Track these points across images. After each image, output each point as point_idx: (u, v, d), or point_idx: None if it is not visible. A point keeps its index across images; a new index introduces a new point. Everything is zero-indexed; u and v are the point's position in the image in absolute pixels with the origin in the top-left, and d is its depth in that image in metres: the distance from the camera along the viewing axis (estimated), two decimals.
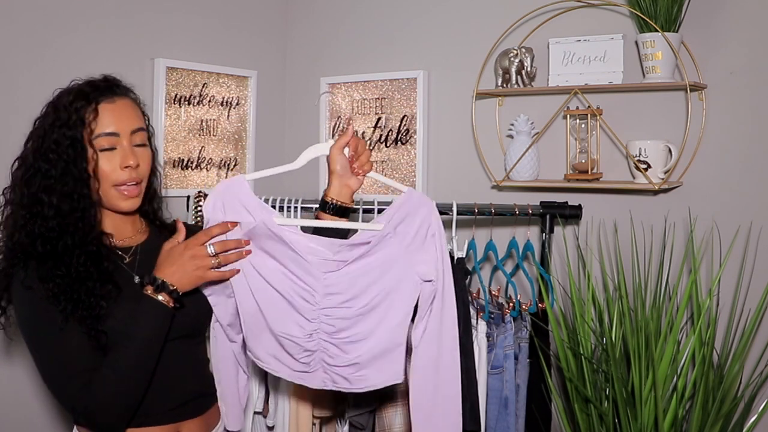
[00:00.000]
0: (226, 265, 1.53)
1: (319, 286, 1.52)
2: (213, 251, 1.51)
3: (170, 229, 1.71)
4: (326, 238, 1.52)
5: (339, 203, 1.63)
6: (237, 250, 1.53)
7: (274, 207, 2.23)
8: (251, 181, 1.63)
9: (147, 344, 1.49)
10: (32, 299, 1.48)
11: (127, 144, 1.55)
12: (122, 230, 1.65)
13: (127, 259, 1.62)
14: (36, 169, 1.54)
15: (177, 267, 1.50)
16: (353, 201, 1.64)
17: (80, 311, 1.47)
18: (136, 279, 1.59)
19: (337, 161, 1.63)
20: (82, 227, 1.52)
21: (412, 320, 1.56)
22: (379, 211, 2.18)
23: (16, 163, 1.59)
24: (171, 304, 1.50)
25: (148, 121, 1.66)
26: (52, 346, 1.48)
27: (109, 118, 1.54)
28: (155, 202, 1.72)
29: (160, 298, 1.49)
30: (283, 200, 2.24)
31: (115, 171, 1.54)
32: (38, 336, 1.49)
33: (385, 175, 2.81)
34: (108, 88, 1.58)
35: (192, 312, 1.62)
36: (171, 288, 1.49)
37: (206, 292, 1.59)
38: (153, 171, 1.68)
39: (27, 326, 1.50)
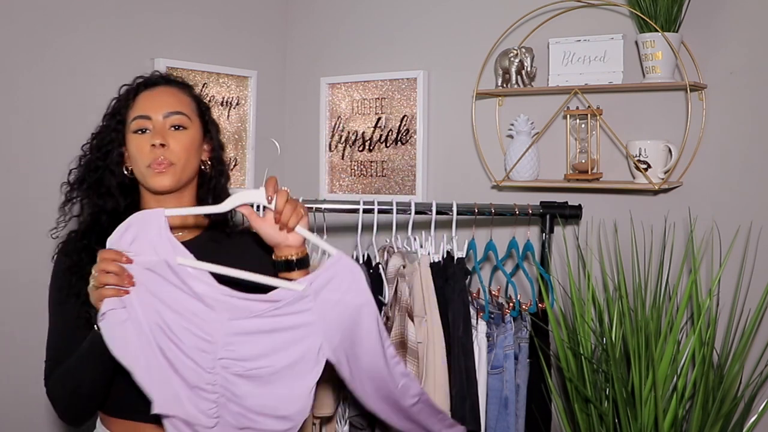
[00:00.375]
0: (104, 287, 1.37)
1: (219, 333, 1.41)
2: (93, 272, 1.38)
3: (227, 233, 1.64)
4: (237, 291, 1.42)
5: (285, 258, 1.51)
6: (116, 281, 1.38)
7: None
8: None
9: (79, 361, 1.46)
10: (53, 271, 1.57)
11: (160, 126, 1.55)
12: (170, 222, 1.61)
13: None
14: (84, 152, 1.63)
15: None
16: (303, 250, 1.52)
17: (81, 286, 1.49)
18: None
19: (264, 235, 1.50)
20: (98, 212, 1.58)
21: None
22: (380, 211, 2.18)
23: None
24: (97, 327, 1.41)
25: (206, 111, 1.65)
26: (52, 321, 1.55)
27: (144, 103, 1.58)
28: (212, 198, 1.64)
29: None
30: None
31: (143, 150, 1.54)
32: (52, 310, 1.57)
33: (385, 176, 2.82)
34: (156, 79, 1.63)
35: None
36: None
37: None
38: (213, 165, 1.65)
39: (49, 295, 1.58)
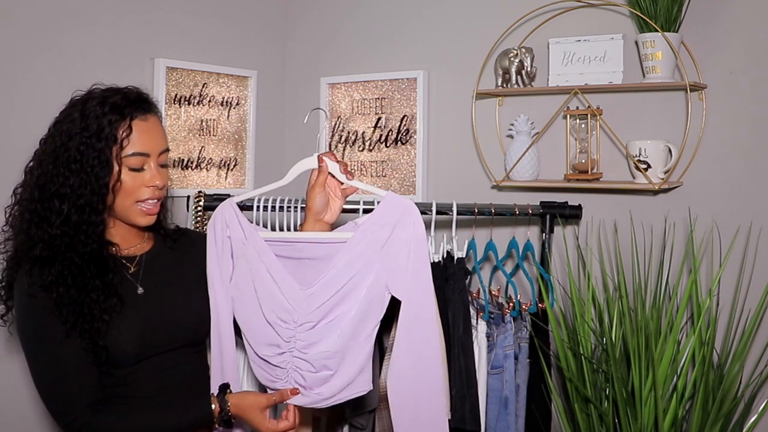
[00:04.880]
0: None
1: (299, 302, 1.57)
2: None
3: (173, 237, 1.73)
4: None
5: None
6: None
7: (274, 207, 2.23)
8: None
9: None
10: (34, 308, 1.47)
11: (155, 164, 1.56)
12: (128, 239, 1.65)
13: (132, 269, 1.62)
14: (54, 174, 1.51)
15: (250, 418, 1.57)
16: (327, 230, 1.68)
17: (82, 324, 1.46)
18: (140, 290, 1.60)
19: (314, 199, 1.64)
20: (85, 239, 1.51)
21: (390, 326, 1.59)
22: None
23: (32, 163, 1.57)
24: (216, 414, 1.55)
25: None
26: (50, 359, 1.47)
27: (142, 137, 1.54)
28: (162, 212, 1.72)
29: (212, 406, 1.54)
30: (283, 200, 2.24)
31: (140, 188, 1.55)
32: (37, 346, 1.48)
33: (385, 176, 2.82)
34: (140, 103, 1.57)
35: (191, 321, 1.63)
36: (227, 407, 1.56)
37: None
38: None
39: (26, 335, 1.50)
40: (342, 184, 1.65)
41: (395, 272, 1.55)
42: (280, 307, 1.57)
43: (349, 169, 1.64)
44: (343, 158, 2.90)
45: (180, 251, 1.71)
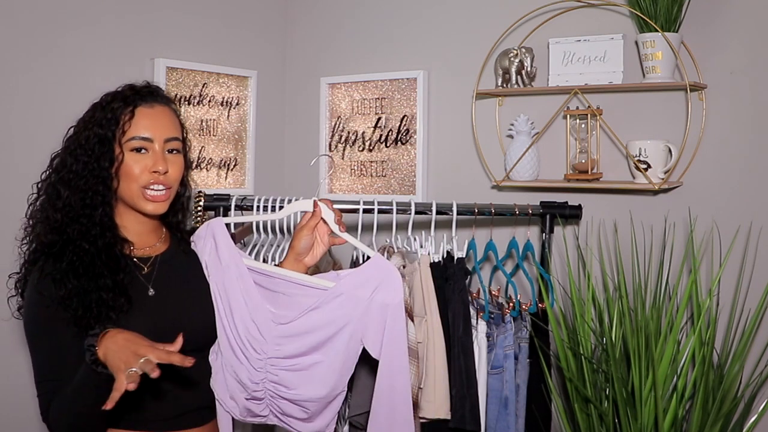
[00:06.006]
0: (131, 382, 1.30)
1: (271, 335, 1.58)
2: (135, 370, 1.30)
3: (188, 240, 1.73)
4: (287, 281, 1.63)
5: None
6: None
7: (274, 207, 2.23)
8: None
9: (78, 387, 1.41)
10: (40, 305, 1.49)
11: (159, 149, 1.56)
12: (145, 239, 1.65)
13: (146, 270, 1.62)
14: (62, 163, 1.57)
15: (115, 349, 1.34)
16: (306, 270, 1.69)
17: (89, 319, 1.47)
18: (151, 292, 1.60)
19: (301, 240, 1.66)
20: (87, 224, 1.53)
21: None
22: (380, 211, 2.18)
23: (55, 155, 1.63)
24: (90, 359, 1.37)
25: (186, 134, 1.67)
26: (45, 357, 1.49)
27: (145, 122, 1.56)
28: (181, 214, 1.72)
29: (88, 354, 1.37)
30: (283, 200, 2.24)
31: (143, 173, 1.55)
32: (38, 342, 1.50)
33: (385, 176, 2.82)
34: (149, 93, 1.60)
35: (199, 325, 1.62)
36: (93, 350, 1.35)
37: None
38: (184, 184, 1.68)
39: (28, 330, 1.52)
40: (331, 232, 1.67)
41: (371, 330, 1.57)
42: (251, 334, 1.59)
43: (342, 220, 1.68)
44: (343, 158, 2.90)
45: (195, 254, 1.71)
